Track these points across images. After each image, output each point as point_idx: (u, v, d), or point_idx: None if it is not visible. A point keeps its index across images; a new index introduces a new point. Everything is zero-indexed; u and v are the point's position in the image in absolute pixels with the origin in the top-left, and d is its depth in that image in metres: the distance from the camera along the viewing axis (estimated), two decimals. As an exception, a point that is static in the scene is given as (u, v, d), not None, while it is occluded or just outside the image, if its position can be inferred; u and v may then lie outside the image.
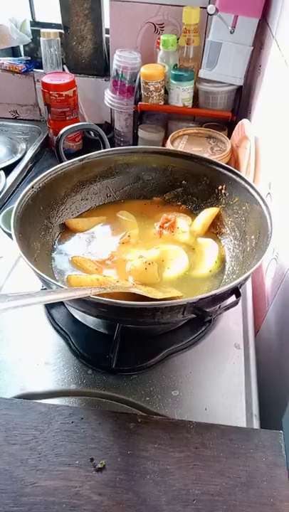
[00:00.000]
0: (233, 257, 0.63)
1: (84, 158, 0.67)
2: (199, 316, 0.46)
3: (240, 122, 0.94)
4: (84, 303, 0.47)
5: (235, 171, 0.64)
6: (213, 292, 0.46)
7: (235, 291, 0.47)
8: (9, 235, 0.70)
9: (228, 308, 0.48)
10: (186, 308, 0.45)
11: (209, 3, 0.97)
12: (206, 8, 0.91)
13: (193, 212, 0.71)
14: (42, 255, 0.61)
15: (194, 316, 0.47)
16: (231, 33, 0.93)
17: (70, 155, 0.69)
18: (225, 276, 0.61)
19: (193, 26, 0.97)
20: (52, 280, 0.47)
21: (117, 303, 0.44)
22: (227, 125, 1.08)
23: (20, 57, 1.27)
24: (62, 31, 1.17)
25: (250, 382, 0.54)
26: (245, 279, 0.49)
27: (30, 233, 0.58)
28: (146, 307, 0.45)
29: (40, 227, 0.62)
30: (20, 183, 1.03)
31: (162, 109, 1.08)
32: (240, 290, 0.48)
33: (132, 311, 0.47)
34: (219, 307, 0.48)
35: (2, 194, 0.96)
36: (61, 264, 0.61)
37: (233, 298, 0.48)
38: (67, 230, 0.67)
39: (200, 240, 0.65)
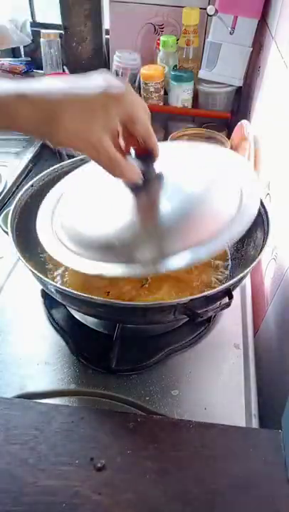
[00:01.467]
0: (234, 259, 0.63)
1: (85, 157, 0.67)
2: (191, 317, 0.46)
3: (239, 123, 0.95)
4: (75, 300, 0.47)
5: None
6: (204, 293, 0.45)
7: (228, 292, 0.47)
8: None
9: (220, 309, 0.48)
10: (177, 309, 0.45)
11: (209, 4, 0.97)
12: (205, 9, 0.92)
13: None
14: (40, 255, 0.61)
15: (186, 316, 0.47)
16: (231, 33, 0.93)
17: (70, 155, 0.69)
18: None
19: (193, 27, 0.97)
20: (49, 280, 0.47)
21: (108, 301, 0.44)
22: (226, 126, 1.08)
23: (20, 58, 1.27)
24: (62, 32, 1.17)
25: (249, 382, 0.54)
26: (239, 281, 0.49)
27: (28, 232, 0.58)
28: (137, 307, 0.45)
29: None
30: (20, 183, 1.03)
31: (162, 109, 1.08)
32: (232, 292, 0.48)
33: (123, 310, 0.47)
34: (211, 308, 0.48)
35: (2, 195, 0.96)
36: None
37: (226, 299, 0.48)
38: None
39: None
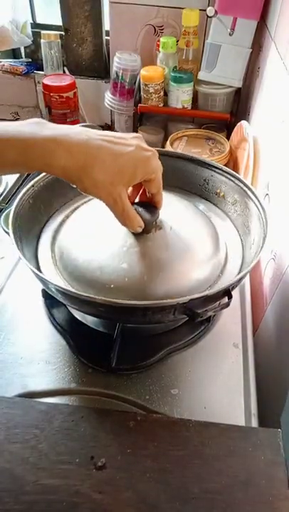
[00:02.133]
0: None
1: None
2: (190, 317, 0.46)
3: (239, 124, 0.95)
4: (76, 300, 0.47)
5: (233, 173, 0.65)
6: (204, 293, 0.45)
7: (227, 292, 0.47)
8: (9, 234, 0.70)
9: (219, 309, 0.48)
10: (177, 309, 0.46)
11: (208, 5, 0.97)
12: (205, 10, 0.92)
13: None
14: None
15: (186, 316, 0.47)
16: (230, 35, 0.93)
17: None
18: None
19: (193, 28, 0.98)
20: (50, 280, 0.47)
21: (109, 301, 0.45)
22: (226, 127, 1.08)
23: (21, 59, 1.28)
24: (62, 33, 1.17)
25: (248, 381, 0.55)
26: (238, 281, 0.49)
27: (29, 232, 0.59)
28: (137, 306, 0.46)
29: (40, 226, 0.63)
30: (21, 183, 1.03)
31: (162, 110, 1.08)
32: (232, 292, 0.48)
33: (123, 310, 0.47)
34: (211, 308, 0.48)
35: (3, 195, 0.96)
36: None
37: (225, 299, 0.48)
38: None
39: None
